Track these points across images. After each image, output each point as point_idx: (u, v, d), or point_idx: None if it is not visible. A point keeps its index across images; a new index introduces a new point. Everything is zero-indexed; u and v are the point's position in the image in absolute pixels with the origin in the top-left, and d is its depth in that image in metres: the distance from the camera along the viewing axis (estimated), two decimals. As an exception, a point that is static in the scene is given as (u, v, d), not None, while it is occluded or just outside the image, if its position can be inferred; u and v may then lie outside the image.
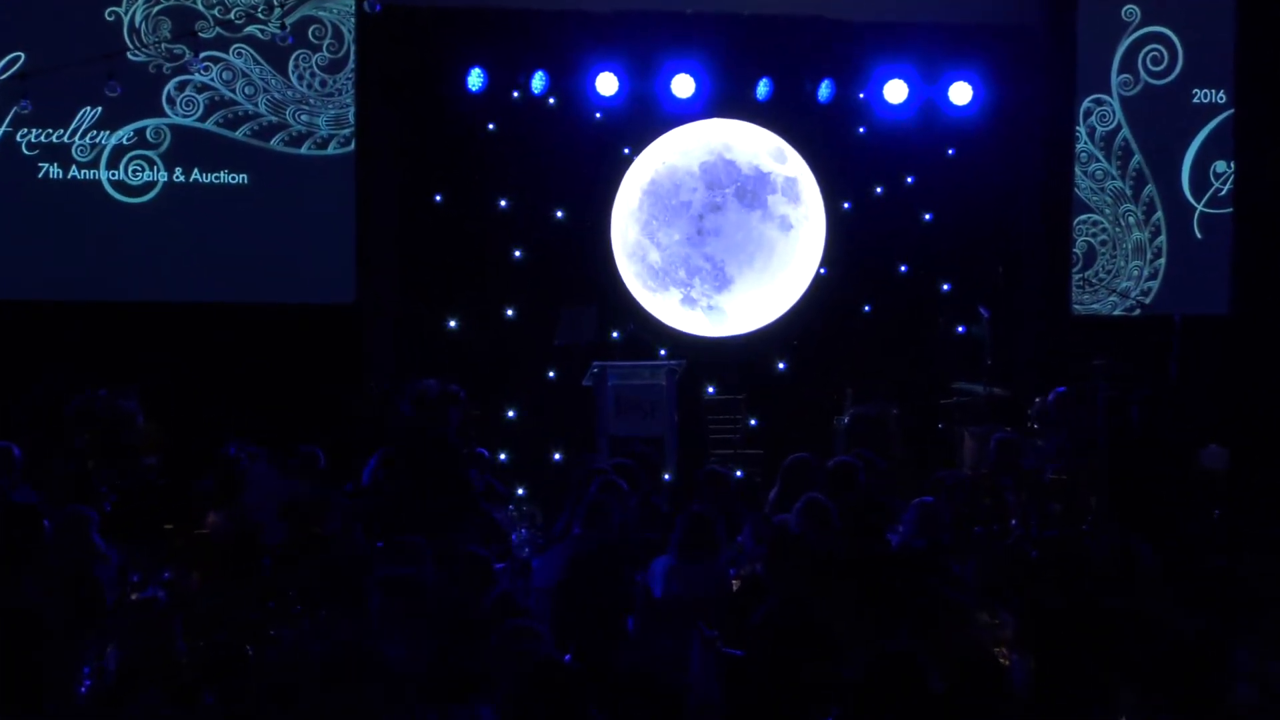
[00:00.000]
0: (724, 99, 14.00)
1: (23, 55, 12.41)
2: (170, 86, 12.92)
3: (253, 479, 9.57)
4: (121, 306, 12.93)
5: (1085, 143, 14.22)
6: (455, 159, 13.75)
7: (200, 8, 12.87)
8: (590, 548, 8.14)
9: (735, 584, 8.30)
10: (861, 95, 14.16)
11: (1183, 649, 5.39)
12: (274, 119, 13.09)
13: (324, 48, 13.14)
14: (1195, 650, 5.37)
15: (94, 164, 12.85)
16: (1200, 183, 14.28)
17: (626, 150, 14.04)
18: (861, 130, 14.29)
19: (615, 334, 13.72)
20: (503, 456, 13.07)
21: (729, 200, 14.08)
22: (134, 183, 12.94)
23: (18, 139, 12.73)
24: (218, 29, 12.68)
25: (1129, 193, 14.27)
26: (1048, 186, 14.45)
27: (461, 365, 12.83)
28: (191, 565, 7.87)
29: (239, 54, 12.99)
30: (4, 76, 12.44)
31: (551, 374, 13.73)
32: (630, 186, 14.04)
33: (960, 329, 14.32)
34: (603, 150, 13.99)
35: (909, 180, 14.38)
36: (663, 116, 13.98)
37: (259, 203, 13.10)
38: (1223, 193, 14.27)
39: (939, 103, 14.19)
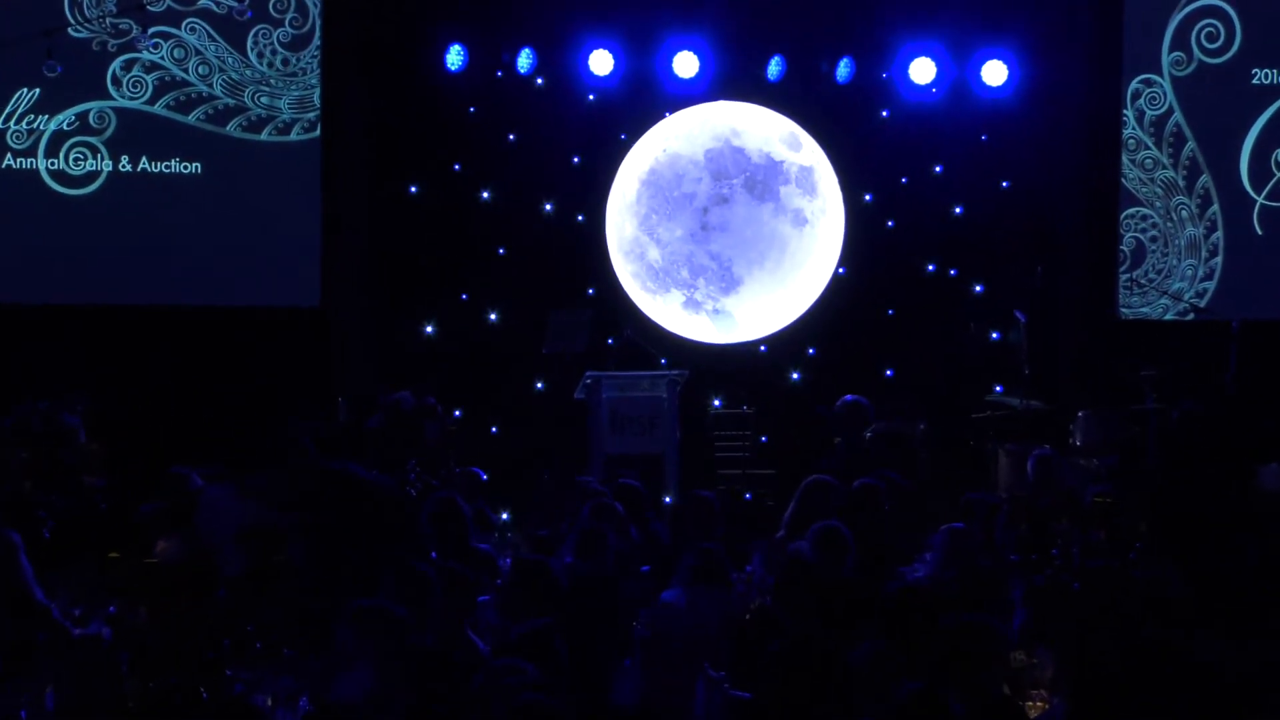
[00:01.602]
0: (731, 79, 14.05)
1: (-48, 31, 12.47)
2: (116, 66, 12.97)
3: (207, 502, 9.59)
4: (61, 310, 12.97)
5: (1133, 128, 14.27)
6: (432, 146, 13.79)
7: (149, -22, 12.95)
8: (583, 579, 8.17)
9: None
10: (885, 75, 14.21)
11: (1235, 693, 5.43)
12: (231, 101, 13.14)
13: (286, 22, 13.19)
14: (1248, 694, 5.40)
15: (31, 152, 12.91)
16: (1260, 173, 14.32)
17: (623, 136, 14.08)
18: (885, 114, 14.34)
19: (610, 341, 13.75)
20: (484, 476, 13.08)
21: (737, 192, 14.13)
22: (75, 172, 12.99)
23: (-54, 124, 12.81)
24: (168, 1, 12.73)
25: (1181, 184, 14.32)
26: (1091, 177, 14.51)
27: (439, 375, 12.88)
28: (139, 597, 7.89)
29: (192, 29, 13.04)
30: (-69, 54, 12.51)
31: (539, 385, 13.77)
32: (627, 177, 14.09)
33: (994, 335, 14.36)
34: (596, 136, 14.04)
35: (937, 169, 14.43)
36: (663, 99, 14.03)
37: (214, 195, 13.15)
38: (1286, 184, 14.34)
39: (971, 83, 14.23)
